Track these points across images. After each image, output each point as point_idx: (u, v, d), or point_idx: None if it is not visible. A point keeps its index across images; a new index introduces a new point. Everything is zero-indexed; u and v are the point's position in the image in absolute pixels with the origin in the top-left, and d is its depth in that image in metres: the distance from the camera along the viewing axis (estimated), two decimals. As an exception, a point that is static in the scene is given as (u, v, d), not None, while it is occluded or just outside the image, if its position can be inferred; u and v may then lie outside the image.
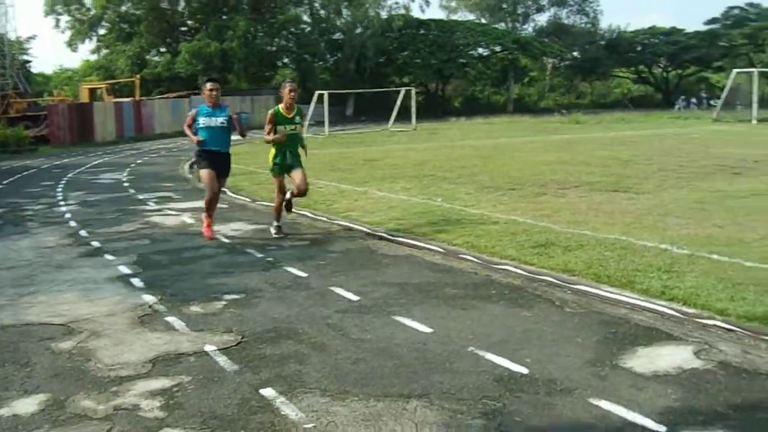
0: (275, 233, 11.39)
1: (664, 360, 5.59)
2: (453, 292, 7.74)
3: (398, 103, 48.97)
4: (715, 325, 6.34)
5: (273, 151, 11.33)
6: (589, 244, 9.61)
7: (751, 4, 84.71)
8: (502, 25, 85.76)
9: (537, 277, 8.27)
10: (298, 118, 11.36)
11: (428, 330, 6.47)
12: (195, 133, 11.24)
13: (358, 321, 6.82)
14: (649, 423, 4.50)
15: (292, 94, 11.20)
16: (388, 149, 29.27)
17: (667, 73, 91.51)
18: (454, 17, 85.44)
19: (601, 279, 7.97)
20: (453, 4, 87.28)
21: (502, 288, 7.91)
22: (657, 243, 9.50)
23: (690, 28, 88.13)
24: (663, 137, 31.94)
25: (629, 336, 6.19)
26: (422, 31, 76.38)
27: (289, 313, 7.12)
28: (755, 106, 45.62)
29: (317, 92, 45.99)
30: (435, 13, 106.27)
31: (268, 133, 11.16)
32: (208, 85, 11.38)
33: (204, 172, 11.38)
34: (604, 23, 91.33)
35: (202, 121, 11.20)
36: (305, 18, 73.78)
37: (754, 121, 43.45)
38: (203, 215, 11.52)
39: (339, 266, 9.17)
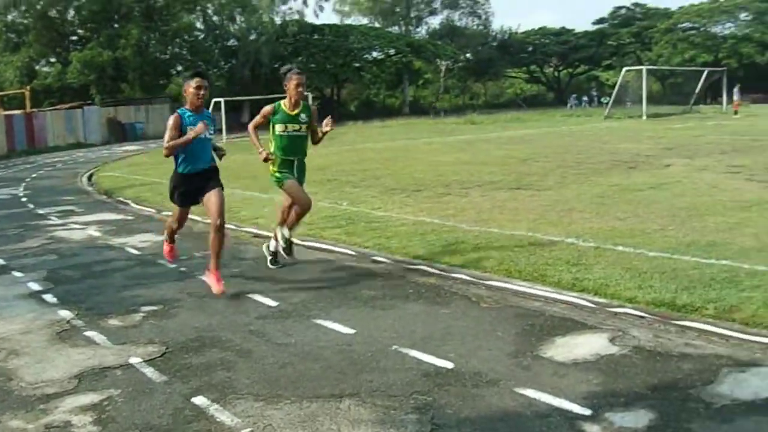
0: (280, 250, 9.36)
1: (582, 348, 5.85)
2: (370, 294, 7.85)
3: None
4: (626, 313, 6.67)
5: (276, 158, 9.03)
6: (497, 241, 9.86)
7: (637, 4, 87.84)
8: (395, 29, 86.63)
9: (451, 275, 8.46)
10: (304, 115, 8.97)
11: (351, 331, 6.57)
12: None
13: (280, 326, 6.88)
14: (574, 407, 4.72)
15: (300, 89, 8.85)
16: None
17: (559, 72, 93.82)
18: (347, 22, 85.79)
19: (513, 274, 8.22)
20: (347, 8, 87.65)
21: (417, 287, 8.07)
22: (563, 237, 9.82)
23: (579, 28, 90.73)
24: (558, 135, 32.73)
25: (546, 327, 6.43)
26: (317, 36, 76.50)
27: (210, 322, 7.12)
28: (644, 102, 47.19)
29: (213, 100, 45.61)
30: (329, 17, 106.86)
31: (255, 127, 9.08)
32: (194, 82, 8.35)
33: (176, 210, 8.93)
34: (495, 25, 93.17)
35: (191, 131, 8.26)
36: (198, 25, 73.09)
37: (644, 117, 44.99)
38: (165, 239, 9.37)
39: (253, 273, 9.20)
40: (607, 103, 55.90)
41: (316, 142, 9.38)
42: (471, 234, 10.44)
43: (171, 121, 8.29)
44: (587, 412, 4.66)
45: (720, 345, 5.83)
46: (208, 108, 8.89)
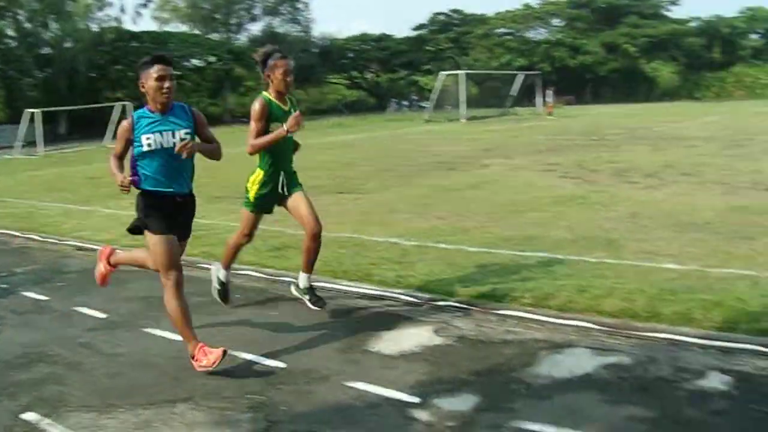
0: (218, 290, 7.62)
1: (408, 341, 6.09)
2: (199, 300, 7.80)
3: (114, 118, 47.84)
4: (449, 306, 7.00)
5: (260, 174, 7.12)
6: (323, 244, 10.00)
7: (455, 10, 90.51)
8: (216, 36, 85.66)
9: (277, 278, 8.59)
10: (293, 111, 7.04)
11: (182, 338, 6.58)
12: (134, 169, 5.99)
13: (110, 337, 6.80)
14: (403, 396, 4.96)
15: (289, 78, 6.89)
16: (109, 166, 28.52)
17: (379, 77, 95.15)
18: (167, 28, 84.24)
19: (339, 275, 8.42)
20: (165, 15, 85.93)
21: (245, 292, 8.15)
22: (387, 238, 10.10)
23: (399, 34, 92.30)
24: (380, 139, 33.31)
25: (373, 323, 6.67)
26: (135, 44, 74.60)
27: (36, 337, 6.94)
28: (463, 105, 48.63)
29: (27, 110, 43.97)
30: (148, 24, 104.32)
31: (257, 134, 6.88)
32: (155, 71, 5.81)
33: (158, 242, 5.89)
34: (316, 31, 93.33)
35: (148, 140, 5.82)
36: (10, 32, 70.06)
37: (462, 120, 46.28)
38: (183, 330, 5.91)
39: (79, 286, 8.99)
40: (426, 107, 57.21)
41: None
42: (296, 238, 10.52)
43: (120, 127, 6.07)
44: (416, 399, 4.90)
45: (538, 330, 6.22)
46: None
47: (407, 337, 6.21)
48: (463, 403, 4.84)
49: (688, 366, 5.40)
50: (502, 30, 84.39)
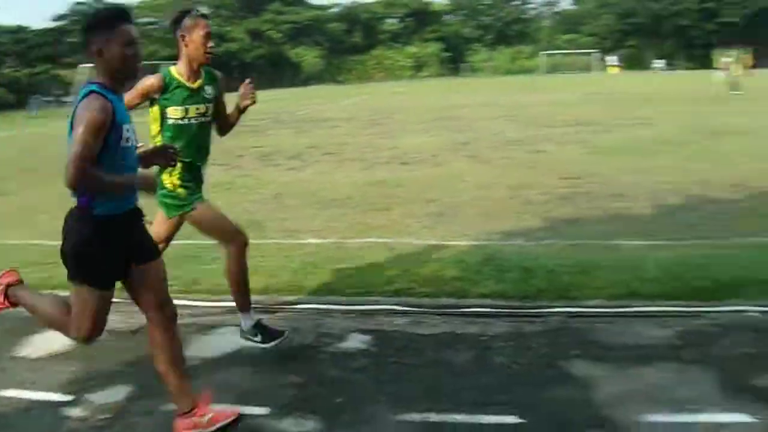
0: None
1: (57, 342, 5.90)
2: None
3: None
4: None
5: (178, 168, 5.13)
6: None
7: (97, 0, 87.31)
8: None
9: None
10: (210, 89, 5.44)
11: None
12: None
13: None
14: (55, 396, 4.94)
15: (211, 43, 5.35)
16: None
17: (18, 72, 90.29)
18: None
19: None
20: None
21: None
22: (27, 240, 9.70)
23: (38, 25, 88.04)
24: (21, 138, 31.81)
25: (18, 329, 6.29)
26: None
27: None
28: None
29: None
30: None
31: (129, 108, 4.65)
32: (127, 32, 3.96)
33: (92, 299, 4.22)
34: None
35: (127, 132, 4.01)
36: None
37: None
38: None
39: None
40: (69, 102, 55.19)
41: (225, 129, 5.92)
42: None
43: (92, 113, 3.77)
44: (68, 398, 4.90)
45: (188, 315, 6.33)
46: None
47: (56, 338, 6.06)
48: (115, 394, 4.92)
49: (331, 331, 5.90)
50: (146, 19, 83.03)
